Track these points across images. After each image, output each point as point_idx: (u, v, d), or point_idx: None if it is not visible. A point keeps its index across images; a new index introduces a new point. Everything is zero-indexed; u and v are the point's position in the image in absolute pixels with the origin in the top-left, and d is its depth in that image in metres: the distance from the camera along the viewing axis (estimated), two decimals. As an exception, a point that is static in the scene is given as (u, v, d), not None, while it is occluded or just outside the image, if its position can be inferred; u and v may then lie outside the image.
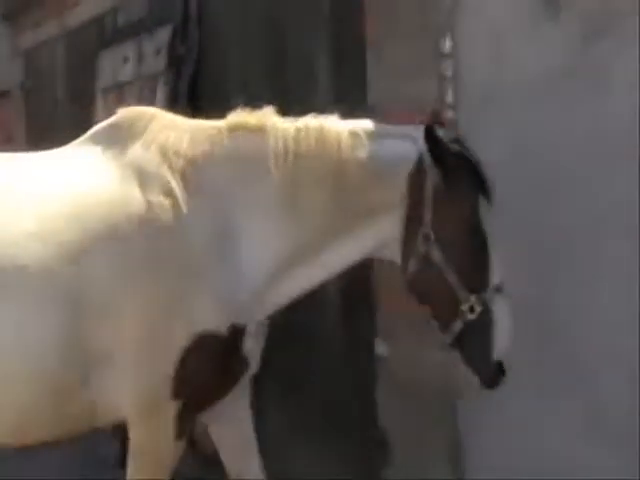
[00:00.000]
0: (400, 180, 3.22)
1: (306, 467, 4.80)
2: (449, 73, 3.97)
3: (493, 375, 3.21)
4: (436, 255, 3.17)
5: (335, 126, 3.27)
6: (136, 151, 3.22)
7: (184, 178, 3.16)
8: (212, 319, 3.12)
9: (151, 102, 6.28)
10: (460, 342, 3.22)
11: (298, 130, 3.23)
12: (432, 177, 3.19)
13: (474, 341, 3.19)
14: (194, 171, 3.18)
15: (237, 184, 3.19)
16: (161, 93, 6.09)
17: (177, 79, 5.98)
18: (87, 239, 3.08)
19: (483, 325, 3.15)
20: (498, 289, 3.17)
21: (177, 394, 3.14)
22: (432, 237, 3.17)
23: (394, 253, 3.31)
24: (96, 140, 3.32)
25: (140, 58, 6.43)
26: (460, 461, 4.13)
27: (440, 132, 3.23)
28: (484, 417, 3.95)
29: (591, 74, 3.44)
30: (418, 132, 3.22)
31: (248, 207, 3.18)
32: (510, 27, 3.73)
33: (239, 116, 3.30)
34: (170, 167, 3.17)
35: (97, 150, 3.26)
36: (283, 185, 3.19)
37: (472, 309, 3.14)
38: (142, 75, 6.41)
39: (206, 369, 3.16)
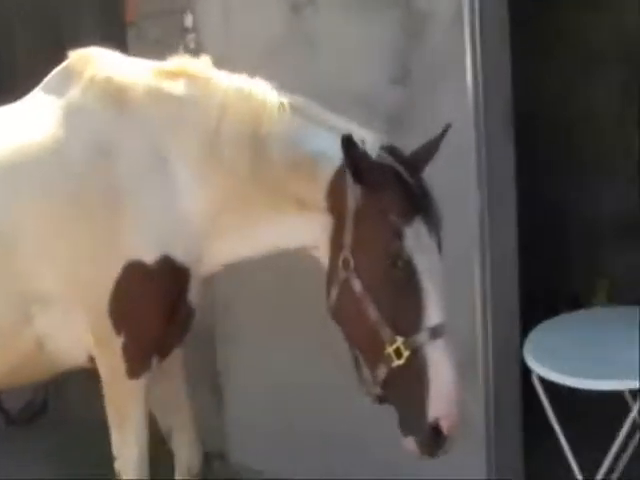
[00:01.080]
0: (320, 184, 2.83)
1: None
2: (192, 45, 4.55)
3: (427, 440, 2.65)
4: (356, 285, 2.72)
5: (264, 95, 2.99)
6: (75, 91, 3.22)
7: (119, 114, 3.11)
8: (138, 247, 2.99)
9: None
10: (390, 394, 2.72)
11: (229, 86, 3.04)
12: (353, 192, 2.74)
13: (404, 395, 2.68)
14: (128, 107, 3.10)
15: (170, 126, 3.08)
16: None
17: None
18: (17, 184, 3.11)
19: (414, 375, 2.64)
20: (435, 333, 2.64)
21: (119, 328, 3.03)
22: (351, 264, 2.73)
23: (324, 263, 2.89)
24: (46, 86, 3.37)
25: None
26: (220, 388, 4.80)
27: (369, 137, 2.80)
28: (238, 348, 4.61)
29: (300, 39, 4.13)
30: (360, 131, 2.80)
31: (179, 150, 3.05)
32: (238, 2, 4.36)
33: (180, 61, 3.19)
34: (106, 103, 3.14)
35: (45, 96, 3.30)
36: (210, 136, 3.00)
37: (399, 353, 2.65)
38: None
39: (139, 300, 3.02)
